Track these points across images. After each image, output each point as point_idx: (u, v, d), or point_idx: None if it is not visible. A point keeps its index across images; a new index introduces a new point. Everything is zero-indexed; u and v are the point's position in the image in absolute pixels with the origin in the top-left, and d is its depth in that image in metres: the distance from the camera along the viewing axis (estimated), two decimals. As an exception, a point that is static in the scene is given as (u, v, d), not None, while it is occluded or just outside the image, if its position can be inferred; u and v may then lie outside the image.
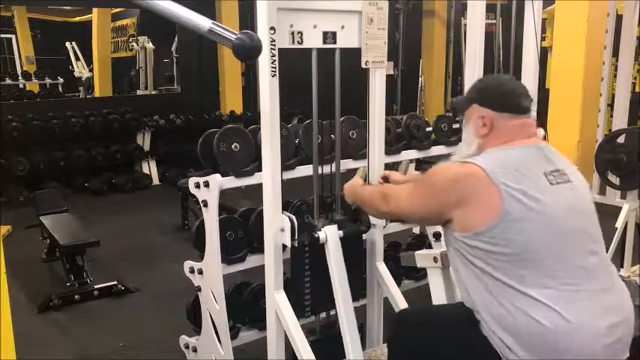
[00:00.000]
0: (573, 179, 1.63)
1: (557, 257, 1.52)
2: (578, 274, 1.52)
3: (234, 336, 2.58)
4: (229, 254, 2.48)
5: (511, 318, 1.51)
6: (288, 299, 2.17)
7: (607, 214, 2.90)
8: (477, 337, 1.60)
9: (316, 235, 2.12)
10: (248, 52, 1.60)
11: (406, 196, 1.78)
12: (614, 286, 1.58)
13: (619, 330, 1.52)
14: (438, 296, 2.13)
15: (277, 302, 2.14)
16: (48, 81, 9.75)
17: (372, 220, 2.35)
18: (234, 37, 1.57)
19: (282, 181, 2.10)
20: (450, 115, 3.54)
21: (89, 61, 10.20)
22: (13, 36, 10.60)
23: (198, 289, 2.51)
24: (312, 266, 2.20)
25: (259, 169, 2.26)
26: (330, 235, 2.14)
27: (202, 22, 1.60)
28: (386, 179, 2.27)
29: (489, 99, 1.71)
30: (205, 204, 2.35)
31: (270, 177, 2.08)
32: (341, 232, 2.19)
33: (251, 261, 2.55)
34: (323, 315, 2.52)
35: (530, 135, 1.69)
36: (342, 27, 2.13)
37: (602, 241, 1.65)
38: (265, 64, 1.94)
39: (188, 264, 2.53)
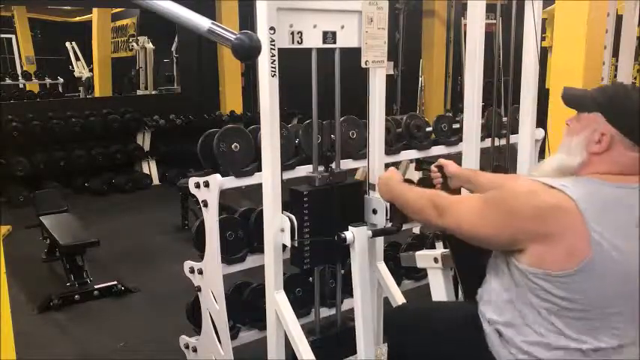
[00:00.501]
0: None
1: (617, 316, 1.40)
2: (625, 332, 1.42)
3: (234, 336, 2.58)
4: (229, 254, 2.48)
5: (534, 347, 1.44)
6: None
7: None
8: (474, 339, 1.57)
9: (343, 235, 1.99)
10: (247, 52, 1.60)
11: (471, 213, 1.51)
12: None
13: None
14: (438, 297, 2.13)
15: (277, 302, 2.14)
16: (48, 81, 9.76)
17: (372, 220, 2.34)
18: (234, 37, 1.57)
19: (282, 181, 2.10)
20: (450, 115, 3.54)
21: (89, 61, 10.20)
22: (13, 36, 10.61)
23: (198, 289, 2.51)
24: (311, 211, 2.12)
25: (259, 169, 2.25)
26: (357, 236, 2.01)
27: (202, 22, 1.60)
28: (440, 169, 2.03)
29: (621, 118, 1.42)
30: (205, 204, 2.35)
31: (270, 177, 2.08)
32: (370, 233, 2.04)
33: (251, 261, 2.55)
34: (323, 315, 2.52)
35: (633, 175, 1.43)
36: (342, 27, 2.13)
37: None
38: (265, 64, 1.94)
39: (188, 264, 2.53)
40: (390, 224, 2.15)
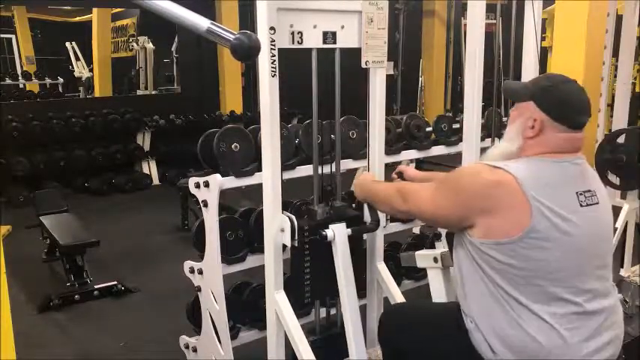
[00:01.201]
0: (600, 200, 1.59)
1: (570, 280, 1.51)
2: (584, 298, 1.52)
3: (234, 336, 2.58)
4: (229, 254, 2.48)
5: (508, 329, 1.52)
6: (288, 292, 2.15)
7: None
8: (461, 341, 1.61)
9: (324, 233, 2.06)
10: (246, 52, 1.60)
11: (428, 195, 1.69)
12: (612, 307, 1.59)
13: (610, 348, 1.56)
14: (438, 296, 2.13)
15: (277, 302, 2.14)
16: (48, 81, 9.76)
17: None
18: (233, 37, 1.56)
19: (282, 181, 2.10)
20: (450, 115, 3.54)
21: (89, 61, 10.20)
22: (13, 36, 10.60)
23: (198, 289, 2.51)
24: (312, 256, 2.15)
25: (259, 169, 2.26)
26: (338, 233, 2.09)
27: (200, 22, 1.60)
28: (400, 175, 2.21)
29: (550, 104, 1.59)
30: (205, 204, 2.35)
31: (270, 177, 2.08)
32: (349, 230, 2.12)
33: (251, 261, 2.55)
34: (323, 315, 2.52)
35: (575, 150, 1.61)
36: (342, 27, 2.13)
37: (611, 265, 1.65)
38: (265, 64, 1.94)
39: (188, 264, 2.53)
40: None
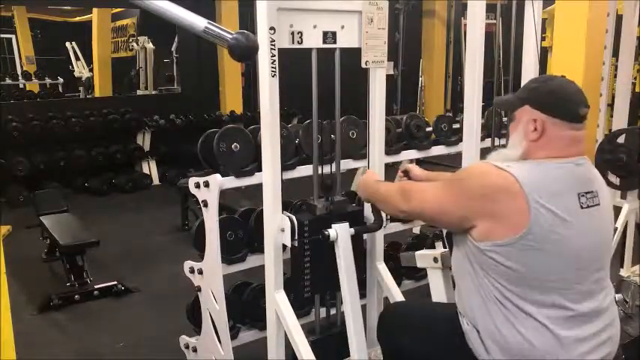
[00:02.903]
0: (602, 202, 1.59)
1: (566, 283, 1.51)
2: (580, 300, 1.52)
3: (234, 336, 2.58)
4: (229, 254, 2.48)
5: (503, 330, 1.52)
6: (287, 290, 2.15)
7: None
8: (458, 342, 1.62)
9: (327, 232, 2.04)
10: (244, 52, 1.60)
11: (432, 194, 1.68)
12: (606, 307, 1.59)
13: (605, 348, 1.56)
14: (438, 297, 2.13)
15: (277, 302, 2.14)
16: (48, 81, 9.75)
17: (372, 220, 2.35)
18: (230, 36, 1.56)
19: (282, 181, 2.10)
20: (450, 115, 3.54)
21: (89, 61, 10.19)
22: (13, 36, 10.59)
23: (198, 289, 2.51)
24: (312, 251, 2.14)
25: (259, 169, 2.26)
26: (341, 233, 2.07)
27: (197, 21, 1.60)
28: (407, 173, 2.18)
29: (544, 101, 1.58)
30: (205, 204, 2.35)
31: (270, 177, 2.08)
32: (352, 230, 2.10)
33: (251, 261, 2.55)
34: (323, 315, 2.52)
35: (579, 151, 1.59)
36: (342, 27, 2.13)
37: (608, 265, 1.64)
38: (265, 64, 1.94)
39: (188, 264, 2.53)
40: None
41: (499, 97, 1.81)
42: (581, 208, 1.53)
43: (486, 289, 1.55)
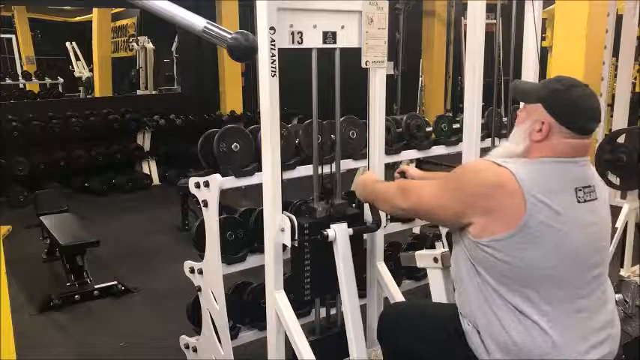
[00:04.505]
0: (599, 196, 1.59)
1: (562, 280, 1.51)
2: (577, 298, 1.52)
3: (234, 336, 2.58)
4: (229, 254, 2.48)
5: (502, 330, 1.52)
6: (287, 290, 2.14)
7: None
8: (459, 342, 1.62)
9: (325, 232, 2.04)
10: (243, 52, 1.60)
11: (429, 191, 1.69)
12: (605, 305, 1.59)
13: (606, 347, 1.55)
14: (438, 297, 2.13)
15: (277, 302, 2.14)
16: (48, 81, 9.76)
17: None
18: (229, 36, 1.56)
19: (282, 181, 2.10)
20: (450, 115, 3.54)
21: (89, 61, 10.20)
22: (13, 36, 10.61)
23: (198, 289, 2.51)
24: (312, 254, 2.14)
25: (259, 169, 2.26)
26: (339, 233, 2.07)
27: (197, 21, 1.60)
28: (403, 174, 2.19)
29: (559, 109, 1.56)
30: (205, 204, 2.35)
31: (270, 177, 2.08)
32: (350, 230, 2.10)
33: (251, 261, 2.55)
34: (323, 315, 2.52)
35: (582, 155, 1.59)
36: (342, 27, 2.13)
37: (607, 261, 1.64)
38: (265, 64, 1.94)
39: (188, 264, 2.53)
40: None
41: (519, 83, 1.79)
42: (578, 202, 1.53)
43: (484, 289, 1.55)
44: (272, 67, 1.95)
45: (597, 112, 1.60)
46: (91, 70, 10.17)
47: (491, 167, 1.55)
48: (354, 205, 2.30)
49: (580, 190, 1.54)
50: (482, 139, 2.76)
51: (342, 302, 2.14)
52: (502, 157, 1.61)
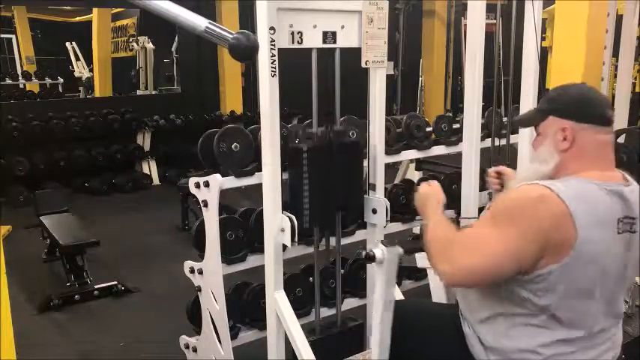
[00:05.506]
0: (639, 229, 1.49)
1: (583, 308, 1.46)
2: (592, 323, 1.48)
3: (234, 336, 2.58)
4: (229, 254, 2.48)
5: (506, 341, 1.50)
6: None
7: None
8: (458, 344, 1.61)
9: (372, 253, 1.70)
10: (244, 52, 1.60)
11: (494, 240, 1.40)
12: (616, 324, 1.57)
13: (608, 352, 1.53)
14: (438, 297, 2.14)
15: (277, 302, 2.14)
16: (48, 81, 9.76)
17: (372, 220, 2.34)
18: (231, 36, 1.56)
19: (282, 181, 2.10)
20: (450, 115, 3.54)
21: (89, 61, 10.20)
22: (13, 36, 10.60)
23: (198, 289, 2.51)
24: (310, 170, 2.09)
25: (259, 169, 2.26)
26: (388, 257, 1.71)
27: (198, 21, 1.60)
28: (500, 175, 1.93)
29: (569, 108, 1.49)
30: (205, 204, 2.35)
31: (270, 177, 2.08)
32: (401, 251, 1.73)
33: (251, 261, 2.55)
34: (323, 315, 2.52)
35: (612, 161, 1.50)
36: (342, 27, 2.13)
37: (628, 286, 1.60)
38: (265, 64, 1.94)
39: (188, 264, 2.53)
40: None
41: (519, 116, 1.74)
42: (618, 233, 1.45)
43: (499, 305, 1.50)
44: (272, 67, 1.95)
45: (606, 99, 1.55)
46: (91, 70, 10.16)
47: (548, 193, 1.39)
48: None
49: (621, 221, 1.45)
50: (483, 139, 2.76)
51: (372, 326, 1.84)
52: (531, 179, 1.50)
